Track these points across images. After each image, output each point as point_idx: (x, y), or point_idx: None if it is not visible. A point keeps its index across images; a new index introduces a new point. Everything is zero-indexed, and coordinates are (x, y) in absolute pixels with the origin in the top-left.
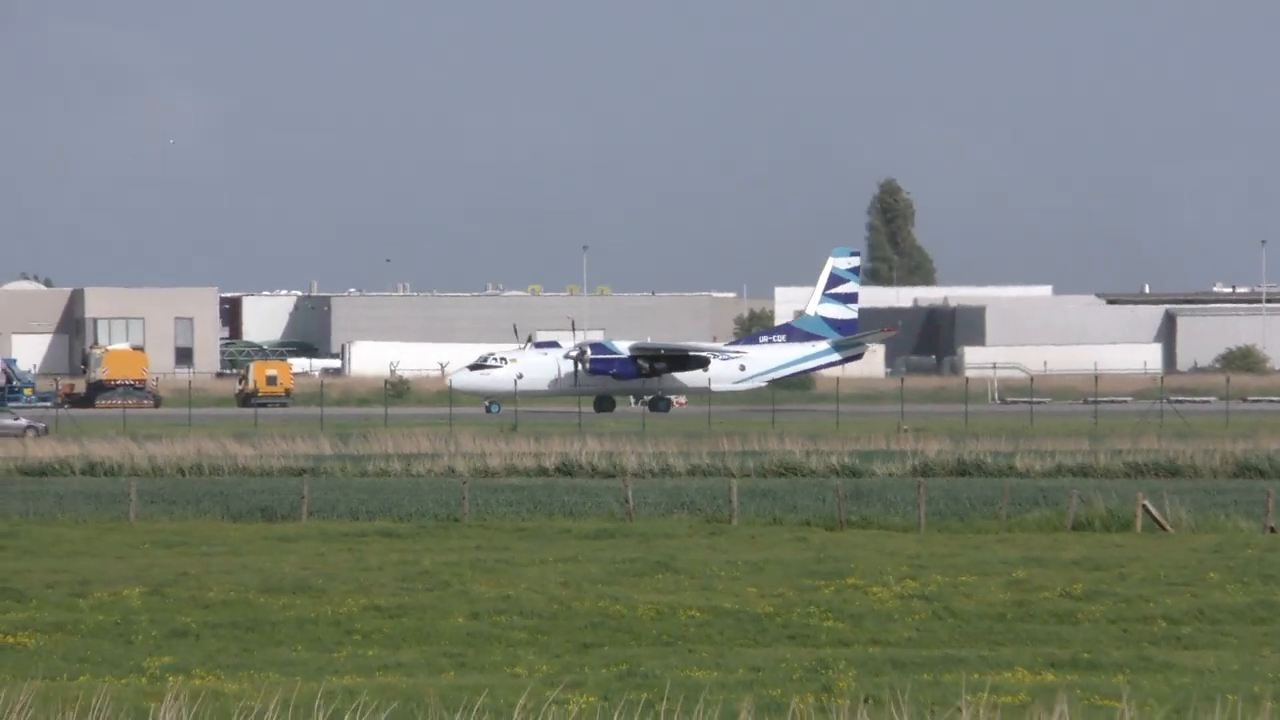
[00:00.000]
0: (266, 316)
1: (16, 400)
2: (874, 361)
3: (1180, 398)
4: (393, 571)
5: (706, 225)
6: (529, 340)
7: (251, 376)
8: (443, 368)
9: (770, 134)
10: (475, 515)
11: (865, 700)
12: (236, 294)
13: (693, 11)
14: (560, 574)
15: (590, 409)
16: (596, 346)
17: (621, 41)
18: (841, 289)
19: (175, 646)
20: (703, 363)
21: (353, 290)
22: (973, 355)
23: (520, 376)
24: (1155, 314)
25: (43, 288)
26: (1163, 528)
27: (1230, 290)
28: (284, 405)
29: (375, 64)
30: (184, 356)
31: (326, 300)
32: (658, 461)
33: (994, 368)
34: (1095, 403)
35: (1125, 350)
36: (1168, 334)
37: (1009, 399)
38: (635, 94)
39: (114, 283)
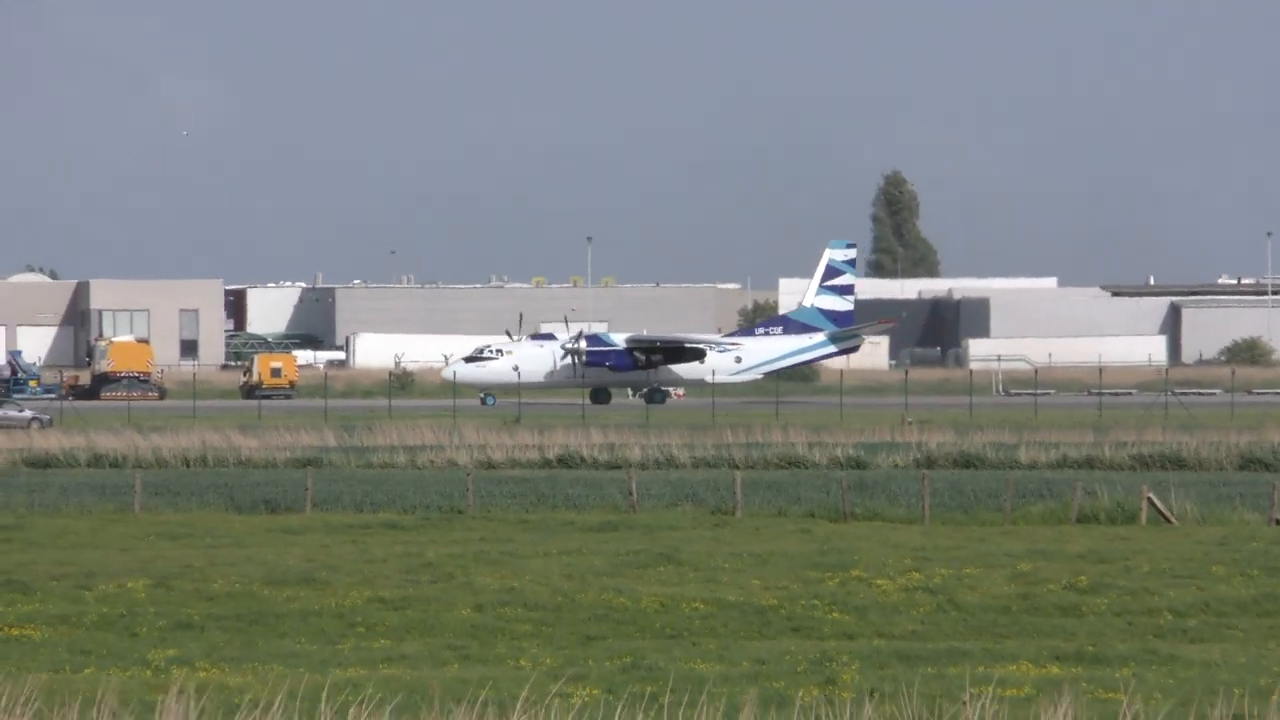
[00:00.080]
0: (271, 309)
1: (22, 392)
2: (878, 354)
3: (1185, 390)
4: (397, 564)
5: (711, 217)
6: (508, 333)
7: (256, 369)
8: (447, 360)
9: (775, 127)
10: (479, 507)
11: (870, 694)
12: (241, 286)
13: (698, 6)
14: (564, 566)
15: (587, 401)
16: (592, 338)
17: (628, 35)
18: (838, 281)
19: (180, 639)
20: (699, 355)
21: (357, 282)
22: (977, 347)
23: (516, 369)
24: (1160, 306)
25: (48, 280)
26: (1168, 520)
27: (1235, 282)
28: (288, 397)
29: (380, 58)
30: (189, 349)
31: (331, 292)
32: (662, 453)
33: (998, 360)
34: (1100, 395)
35: (1130, 342)
36: (1172, 326)
37: (1013, 391)
38: (640, 87)
39: (119, 275)
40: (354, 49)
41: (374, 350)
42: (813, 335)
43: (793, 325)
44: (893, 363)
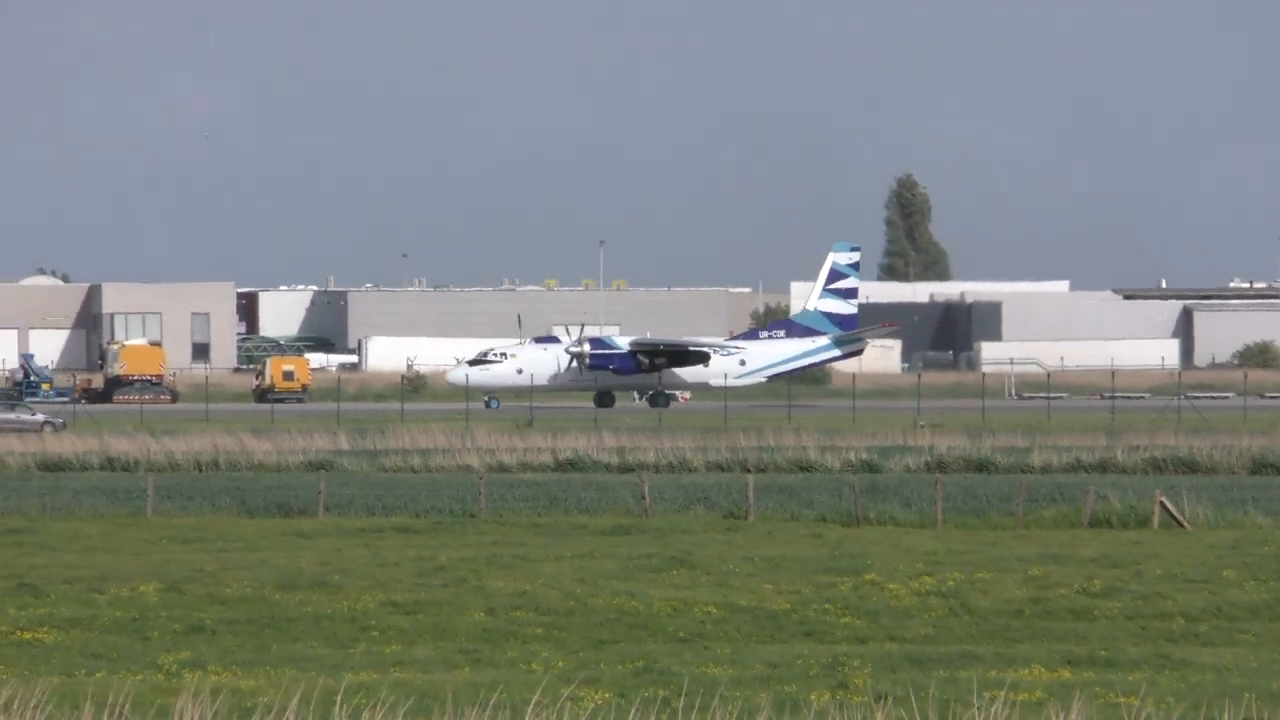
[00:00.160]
0: (283, 312)
1: (34, 395)
2: (890, 357)
3: (1197, 394)
4: (409, 567)
5: (723, 220)
6: (521, 336)
7: (268, 372)
8: (459, 362)
9: (787, 130)
10: (491, 511)
11: (882, 698)
12: (253, 289)
13: (714, 10)
14: (576, 570)
15: (590, 404)
16: (596, 342)
17: (642, 39)
18: (842, 284)
19: (192, 642)
20: (703, 358)
21: (369, 285)
22: (989, 351)
23: (520, 372)
24: (1172, 309)
25: (60, 283)
26: (1180, 524)
27: (1248, 286)
28: (301, 401)
29: (393, 61)
30: (201, 352)
31: (343, 295)
32: (675, 456)
33: (1011, 363)
34: (1112, 398)
35: (1142, 346)
36: (1185, 330)
37: (1026, 395)
38: (653, 90)
39: (131, 278)
40: (367, 53)
41: (386, 353)
42: (817, 339)
43: (796, 329)
44: (905, 366)
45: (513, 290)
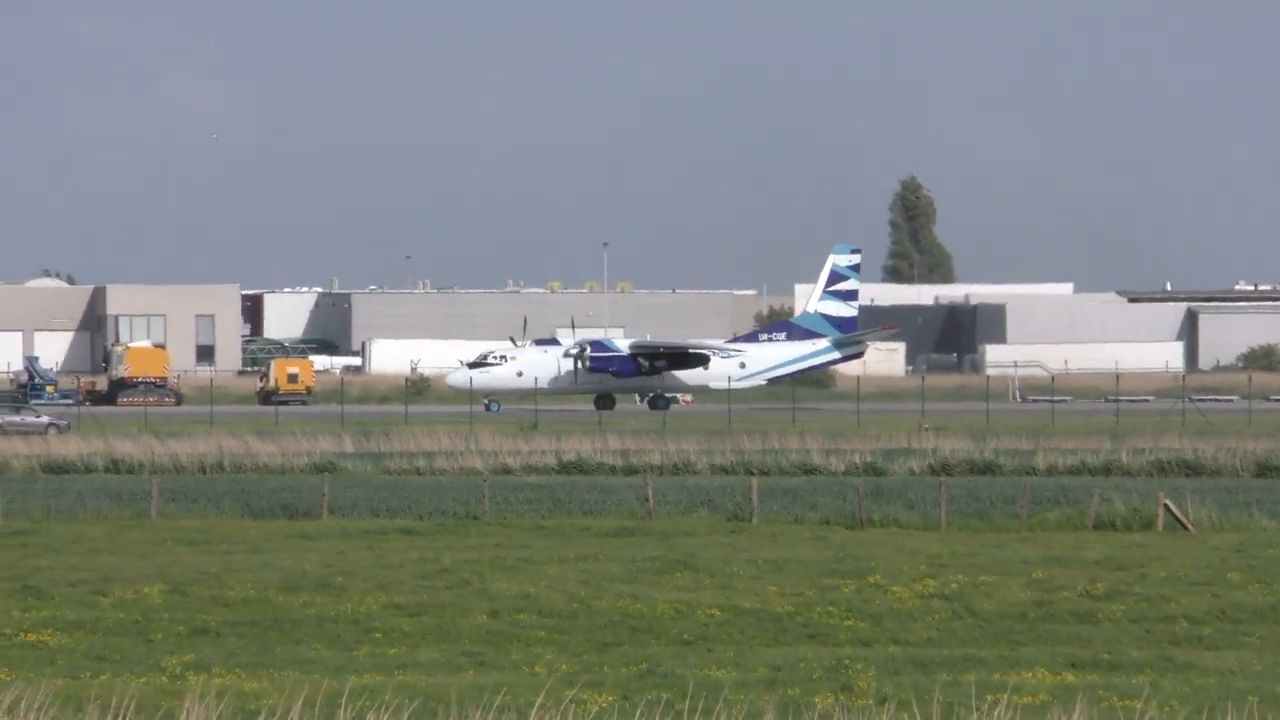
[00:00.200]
0: (287, 314)
1: (39, 398)
2: (895, 360)
3: (1202, 396)
4: (413, 569)
5: (727, 222)
6: (511, 339)
7: (273, 374)
8: (461, 365)
9: (789, 131)
10: (495, 513)
11: (885, 700)
12: (258, 291)
13: (712, 7)
14: (580, 572)
15: (590, 407)
16: (596, 344)
17: (646, 40)
18: (842, 286)
19: (196, 645)
20: (703, 360)
21: (373, 287)
22: (994, 353)
23: (520, 374)
24: (1177, 312)
25: (65, 285)
26: (1184, 527)
27: (1253, 288)
28: (305, 403)
29: (396, 63)
30: (205, 354)
31: (347, 298)
32: (680, 459)
33: (1015, 366)
34: (1117, 401)
35: (1147, 349)
36: (1189, 332)
37: (1030, 397)
38: (658, 92)
39: (136, 280)
40: (370, 55)
41: (390, 355)
42: (817, 341)
43: (797, 331)
44: (909, 369)
45: (516, 292)
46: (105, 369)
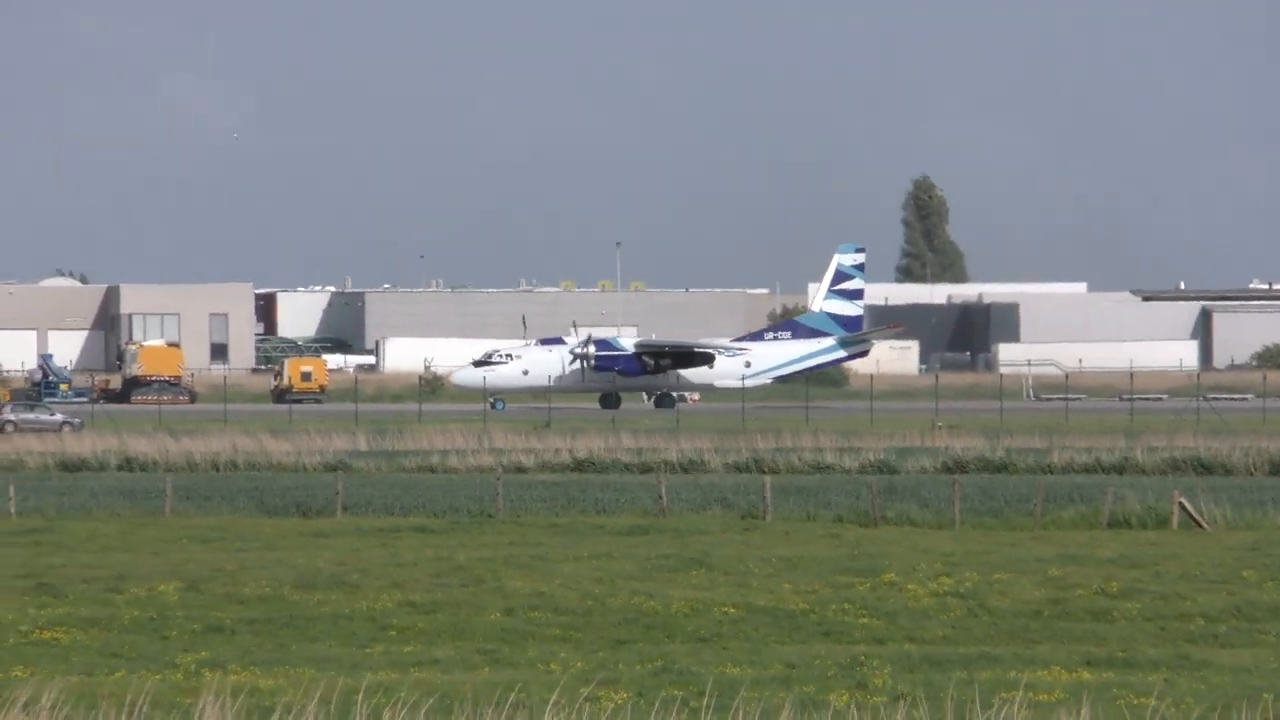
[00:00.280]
0: (301, 312)
1: (53, 396)
2: (908, 358)
3: (1216, 395)
4: (427, 567)
5: (740, 222)
6: (528, 337)
7: (286, 372)
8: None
9: (803, 132)
10: (509, 511)
11: (900, 698)
12: (271, 290)
13: (733, 12)
14: (594, 570)
15: (594, 405)
16: (601, 343)
17: (660, 40)
18: (847, 285)
19: (211, 642)
20: (708, 359)
21: (387, 286)
22: (1007, 352)
23: (526, 373)
24: (1191, 311)
25: (79, 284)
26: (1199, 525)
27: (1267, 287)
28: (319, 401)
29: (410, 62)
30: (219, 352)
31: (361, 296)
32: (697, 456)
33: (1029, 365)
34: (1131, 400)
35: (1161, 347)
36: (1204, 331)
37: (1044, 396)
38: (672, 92)
39: (150, 279)
40: (384, 54)
41: (403, 354)
42: (822, 340)
43: (801, 330)
44: (923, 367)
45: (530, 291)
46: (119, 367)
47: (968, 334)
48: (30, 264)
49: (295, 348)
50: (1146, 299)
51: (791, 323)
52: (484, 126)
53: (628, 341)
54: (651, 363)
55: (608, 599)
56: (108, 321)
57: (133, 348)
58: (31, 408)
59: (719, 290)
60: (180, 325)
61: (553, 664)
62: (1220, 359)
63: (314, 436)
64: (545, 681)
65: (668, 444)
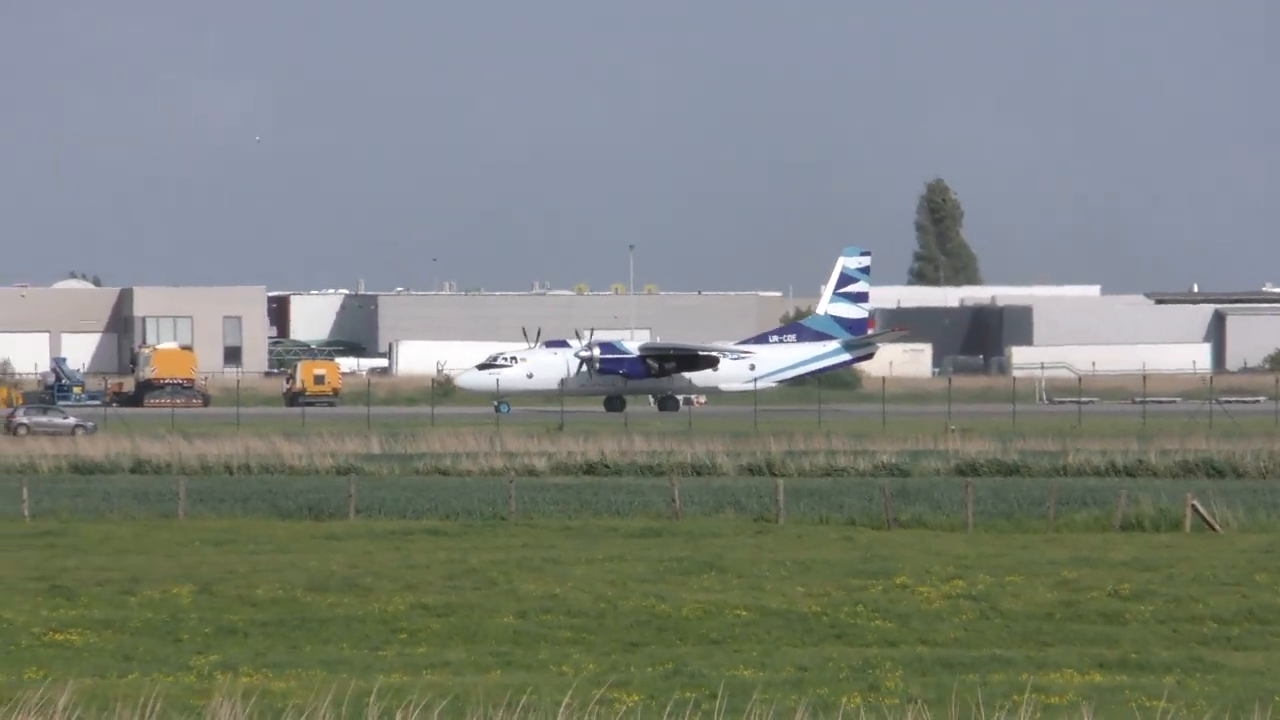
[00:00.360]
0: (314, 315)
1: (66, 399)
2: (921, 361)
3: (1229, 398)
4: (440, 570)
5: (752, 224)
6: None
7: (299, 376)
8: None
9: (813, 132)
10: (522, 514)
11: (912, 701)
12: (284, 293)
13: (746, 15)
14: (606, 573)
15: (599, 408)
16: (606, 346)
17: (672, 43)
18: (852, 288)
19: (224, 644)
20: (712, 362)
21: (400, 289)
22: (1020, 355)
23: (530, 376)
24: (1204, 314)
25: (92, 287)
26: (1212, 528)
27: None
28: (331, 404)
29: (421, 64)
30: (232, 355)
31: (373, 299)
32: (709, 459)
33: (1041, 368)
34: (1144, 403)
35: (1174, 350)
36: (1217, 334)
37: (1057, 399)
38: (685, 94)
39: (162, 282)
40: (396, 56)
41: (416, 357)
42: (827, 343)
43: (806, 333)
44: (936, 370)
45: (543, 295)
46: (132, 370)
47: (981, 337)
48: (43, 266)
49: (308, 351)
50: (1159, 302)
51: (796, 325)
52: (497, 131)
53: (632, 345)
54: (656, 365)
55: (620, 601)
56: (121, 324)
57: (146, 351)
58: (44, 410)
59: (732, 293)
60: (193, 328)
61: (565, 666)
62: (1233, 362)
63: (327, 439)
64: (557, 684)
65: (680, 446)
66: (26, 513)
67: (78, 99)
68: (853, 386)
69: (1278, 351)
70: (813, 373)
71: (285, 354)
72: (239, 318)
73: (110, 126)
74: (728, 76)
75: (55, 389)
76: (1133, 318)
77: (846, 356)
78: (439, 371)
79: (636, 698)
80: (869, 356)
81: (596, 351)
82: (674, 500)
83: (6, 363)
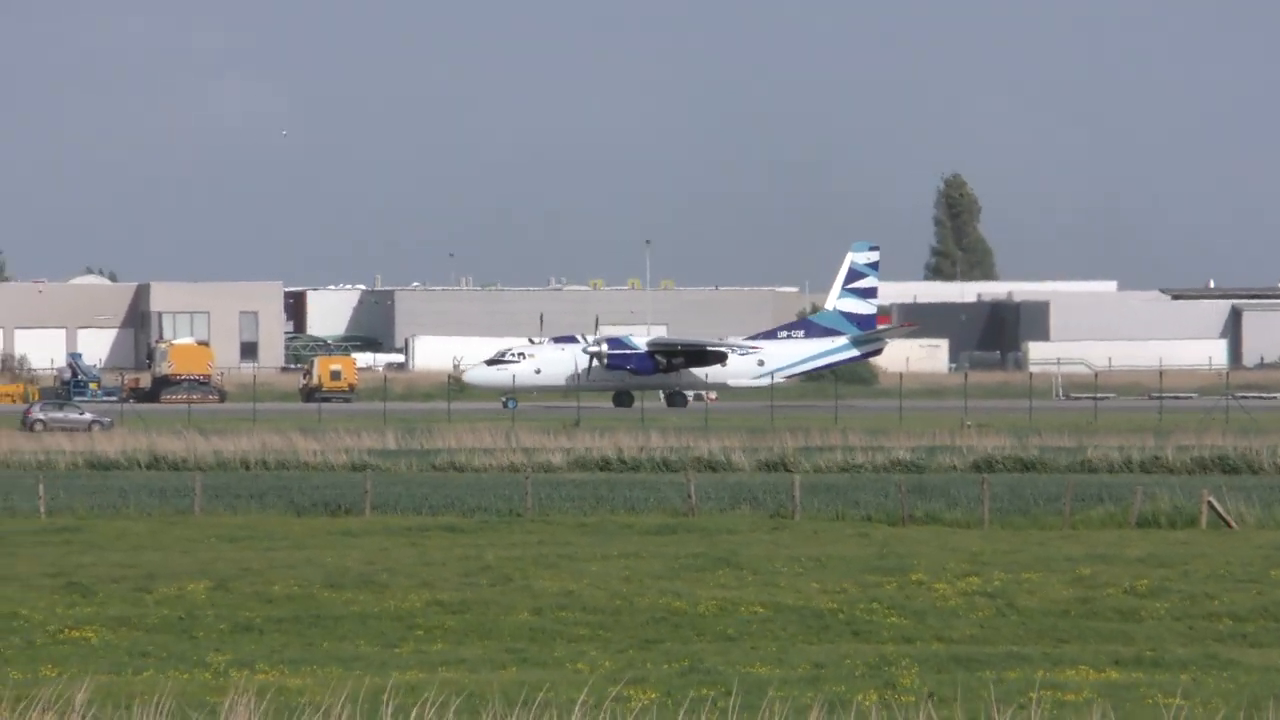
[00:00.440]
0: (330, 311)
1: (82, 394)
2: (938, 357)
3: (1246, 394)
4: (455, 566)
5: (770, 219)
6: (535, 338)
7: (316, 371)
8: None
9: (834, 129)
10: (537, 510)
11: (929, 697)
12: (301, 288)
13: (760, 9)
14: (622, 569)
15: (607, 404)
16: (614, 341)
17: (687, 38)
18: (860, 284)
19: (239, 641)
20: (720, 358)
21: (416, 284)
22: (1037, 351)
23: (538, 372)
24: (1221, 309)
25: (108, 282)
26: (1228, 524)
27: None
28: (348, 400)
29: (438, 59)
30: (249, 351)
31: (390, 295)
32: (725, 455)
33: (1058, 363)
34: (1160, 398)
35: (1190, 346)
36: (1233, 329)
37: (1073, 395)
38: (701, 89)
39: (179, 277)
40: (411, 52)
41: (433, 352)
42: (835, 339)
43: (815, 329)
44: (952, 366)
45: (559, 290)
46: (149, 366)
47: (997, 332)
48: (60, 262)
49: (325, 346)
50: (1176, 297)
51: (805, 321)
52: (514, 126)
53: (640, 340)
54: (664, 361)
55: (636, 598)
56: (137, 320)
57: (162, 346)
58: (61, 406)
59: (747, 288)
60: (210, 323)
61: (581, 663)
62: (1250, 358)
63: (343, 435)
64: (573, 681)
65: (696, 442)
66: (43, 509)
67: (95, 95)
68: (869, 382)
69: None
70: (821, 368)
71: (302, 349)
72: (255, 313)
73: (126, 122)
74: (731, 76)
75: (71, 385)
76: (1149, 313)
77: (855, 352)
78: (455, 367)
79: (652, 695)
80: (878, 352)
81: (604, 347)
82: (690, 496)
83: (23, 358)
